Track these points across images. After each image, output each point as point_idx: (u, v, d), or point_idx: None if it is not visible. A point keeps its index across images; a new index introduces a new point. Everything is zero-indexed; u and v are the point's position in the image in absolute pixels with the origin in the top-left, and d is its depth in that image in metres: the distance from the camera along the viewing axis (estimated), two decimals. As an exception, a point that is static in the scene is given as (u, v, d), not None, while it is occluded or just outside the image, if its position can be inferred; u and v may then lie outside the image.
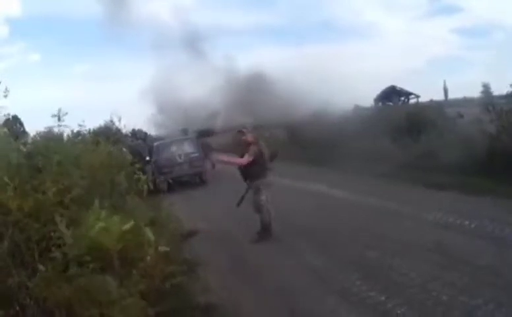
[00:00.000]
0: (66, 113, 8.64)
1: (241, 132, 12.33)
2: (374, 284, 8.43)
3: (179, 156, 25.16)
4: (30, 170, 7.75)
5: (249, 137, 12.28)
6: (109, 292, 5.88)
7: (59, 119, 8.52)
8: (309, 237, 11.89)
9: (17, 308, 5.90)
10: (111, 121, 37.94)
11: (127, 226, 6.17)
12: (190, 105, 53.07)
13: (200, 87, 57.59)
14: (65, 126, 8.89)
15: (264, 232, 12.17)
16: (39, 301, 5.94)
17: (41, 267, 6.07)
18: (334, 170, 22.17)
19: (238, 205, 12.46)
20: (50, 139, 9.01)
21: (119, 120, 35.60)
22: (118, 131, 30.82)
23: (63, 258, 6.09)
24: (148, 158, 25.31)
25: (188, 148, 26.00)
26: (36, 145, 9.11)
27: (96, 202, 6.75)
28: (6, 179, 6.70)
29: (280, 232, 12.35)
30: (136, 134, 30.93)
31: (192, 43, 59.36)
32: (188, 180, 25.66)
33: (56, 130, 9.06)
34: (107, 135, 23.37)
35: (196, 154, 25.70)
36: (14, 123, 22.92)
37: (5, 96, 9.10)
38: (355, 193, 16.37)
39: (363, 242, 10.89)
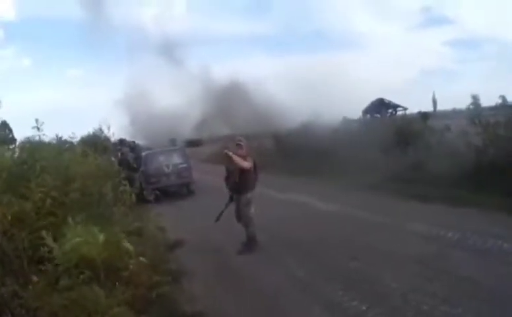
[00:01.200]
0: (43, 123, 8.71)
1: (238, 145, 12.30)
2: (356, 294, 8.54)
3: (167, 166, 25.01)
4: (16, 177, 7.77)
5: (245, 151, 12.34)
6: (98, 302, 5.97)
7: (38, 129, 8.58)
8: (293, 248, 11.98)
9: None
10: (100, 129, 37.88)
11: (102, 238, 6.24)
12: (166, 115, 52.92)
13: (177, 97, 57.64)
14: (44, 135, 8.96)
15: (251, 243, 12.23)
16: (31, 311, 5.97)
17: (34, 278, 6.13)
18: (320, 181, 22.29)
19: (216, 220, 12.56)
20: (37, 148, 9.04)
21: (108, 128, 35.39)
22: (107, 139, 30.75)
23: (54, 270, 6.15)
24: (135, 167, 25.23)
25: (176, 158, 25.89)
26: (24, 153, 9.14)
27: (69, 219, 6.82)
28: None
29: (266, 243, 12.41)
30: (125, 143, 30.75)
31: (169, 51, 59.48)
32: (176, 191, 25.53)
33: (36, 139, 9.11)
34: (96, 143, 23.36)
35: (184, 165, 25.60)
36: (2, 129, 22.76)
37: None
38: (340, 205, 16.51)
39: (347, 253, 10.99)
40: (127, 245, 6.53)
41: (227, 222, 12.70)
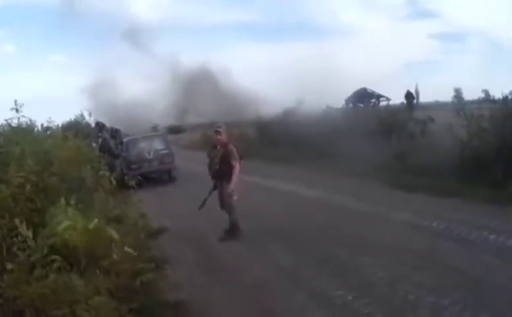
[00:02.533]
0: (23, 104, 8.54)
1: (217, 131, 12.21)
2: (342, 283, 8.47)
3: (149, 152, 24.84)
4: None
5: (224, 137, 12.24)
6: (76, 290, 5.83)
7: (17, 111, 8.41)
8: (277, 236, 11.93)
9: None
10: (81, 115, 37.68)
11: (92, 225, 6.09)
12: (131, 103, 52.38)
13: (145, 85, 57.26)
14: (23, 117, 8.79)
15: (233, 231, 12.15)
16: (10, 300, 5.87)
17: (9, 265, 5.96)
18: (303, 168, 22.29)
19: (200, 208, 12.48)
20: (16, 132, 8.86)
21: (89, 114, 35.24)
22: (87, 125, 30.55)
23: (28, 259, 5.99)
24: (117, 153, 25.05)
25: (158, 144, 25.76)
26: (3, 137, 8.95)
27: (62, 199, 6.65)
28: None
29: (249, 230, 12.33)
30: (106, 129, 30.56)
31: (136, 38, 59.03)
32: (157, 177, 25.41)
33: (16, 122, 8.93)
34: (77, 129, 23.17)
35: (165, 151, 25.48)
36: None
37: None
38: (324, 192, 16.58)
39: (332, 241, 11.00)
40: (112, 233, 6.37)
41: (210, 210, 12.59)
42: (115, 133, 29.90)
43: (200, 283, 9.39)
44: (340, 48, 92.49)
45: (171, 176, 25.72)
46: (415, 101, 43.76)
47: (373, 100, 57.99)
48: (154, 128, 38.51)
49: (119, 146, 26.51)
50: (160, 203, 17.97)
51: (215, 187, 12.53)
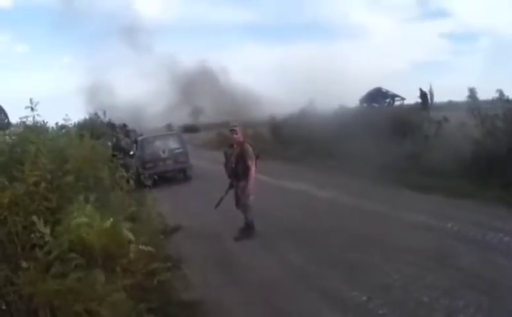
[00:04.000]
0: (38, 103, 8.58)
1: (233, 130, 12.28)
2: (355, 284, 8.49)
3: (163, 151, 24.85)
4: (10, 161, 7.65)
5: (240, 136, 12.32)
6: (95, 288, 5.81)
7: (32, 110, 8.46)
8: (291, 236, 11.94)
9: (2, 303, 5.87)
10: (96, 114, 37.84)
11: (108, 224, 6.13)
12: (129, 103, 52.32)
13: (145, 85, 57.37)
14: (38, 116, 8.84)
15: (248, 230, 12.20)
16: (25, 298, 5.89)
17: (24, 263, 6.00)
18: (315, 168, 22.25)
19: (216, 207, 12.58)
20: (32, 131, 8.89)
21: (104, 114, 35.37)
22: (102, 124, 30.70)
23: (46, 257, 6.01)
24: (132, 153, 25.10)
25: (172, 143, 25.69)
26: (18, 136, 8.99)
27: (81, 196, 6.70)
28: None
29: (263, 230, 12.37)
30: (121, 128, 30.71)
31: (135, 37, 58.84)
32: (172, 176, 25.43)
33: (31, 121, 8.97)
34: (92, 128, 23.26)
35: (180, 150, 25.44)
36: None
37: None
38: (337, 193, 16.48)
39: (344, 241, 11.01)
40: (129, 234, 6.41)
41: (226, 209, 12.66)
42: (129, 132, 30.05)
43: (214, 283, 9.48)
44: (351, 48, 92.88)
45: (187, 175, 25.65)
46: (429, 101, 43.56)
47: (388, 100, 57.74)
48: (169, 127, 38.61)
49: (134, 145, 26.59)
50: (175, 202, 18.00)
51: (231, 186, 12.59)
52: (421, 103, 28.94)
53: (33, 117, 8.75)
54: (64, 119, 11.56)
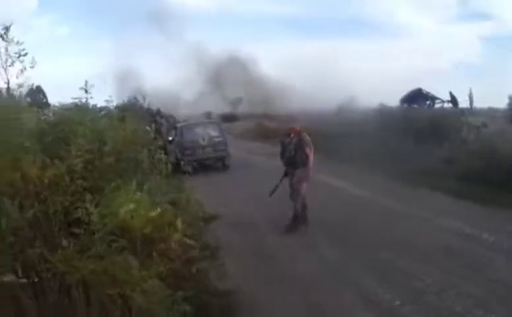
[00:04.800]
0: (93, 86, 8.72)
1: (292, 121, 12.54)
2: (389, 286, 8.53)
3: (203, 139, 24.96)
4: (53, 140, 7.77)
5: (298, 126, 12.66)
6: (130, 273, 5.87)
7: (86, 92, 8.58)
8: (328, 232, 12.03)
9: (35, 279, 5.91)
10: (135, 98, 38.10)
11: (157, 211, 6.25)
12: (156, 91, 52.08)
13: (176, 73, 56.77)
14: (91, 99, 8.96)
15: (297, 220, 12.40)
16: (58, 275, 5.92)
17: (64, 242, 6.12)
18: (352, 165, 22.08)
19: (271, 194, 12.65)
20: (75, 111, 9.03)
21: (143, 98, 35.58)
22: (141, 108, 30.93)
23: (87, 237, 6.13)
24: (170, 139, 25.27)
25: (212, 131, 25.81)
26: (60, 116, 9.14)
27: (134, 182, 6.83)
28: (27, 144, 6.74)
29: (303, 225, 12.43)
30: (160, 114, 30.97)
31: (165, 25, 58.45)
32: (210, 164, 25.47)
33: (83, 102, 9.09)
34: (132, 111, 23.47)
35: (220, 139, 25.54)
36: (37, 93, 22.89)
37: (32, 67, 9.24)
38: (374, 193, 16.40)
39: (381, 242, 10.99)
40: (178, 222, 6.54)
41: (262, 198, 12.77)
42: (167, 118, 30.29)
43: (249, 274, 9.57)
44: (391, 46, 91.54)
45: (225, 163, 25.64)
46: (469, 106, 43.15)
47: (428, 102, 57.07)
48: (208, 115, 38.71)
49: (173, 131, 26.76)
50: (212, 190, 18.07)
51: (285, 175, 12.72)
52: (452, 106, 28.73)
53: (86, 99, 8.91)
54: (106, 101, 11.67)
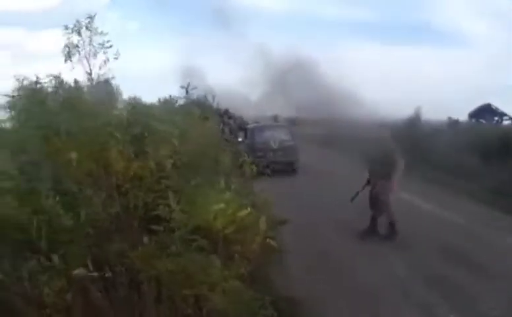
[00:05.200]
0: (195, 88, 8.74)
1: (381, 128, 13.04)
2: (456, 307, 8.50)
3: (274, 142, 25.03)
4: (140, 134, 7.91)
5: (387, 134, 12.92)
6: (210, 273, 5.85)
7: (187, 92, 8.70)
8: (397, 245, 12.03)
9: (107, 273, 5.92)
10: (205, 96, 38.33)
11: (245, 212, 6.35)
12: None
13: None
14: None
15: (392, 230, 12.50)
16: (133, 272, 5.99)
17: (145, 239, 6.22)
18: (419, 179, 21.90)
19: (352, 200, 12.75)
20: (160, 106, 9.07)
21: (213, 98, 35.80)
22: (211, 107, 31.14)
23: (167, 234, 6.08)
24: (240, 140, 25.35)
25: (283, 135, 25.87)
26: (137, 111, 9.26)
27: (222, 182, 6.94)
28: (117, 134, 6.83)
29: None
30: (229, 114, 31.23)
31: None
32: (280, 168, 24.46)
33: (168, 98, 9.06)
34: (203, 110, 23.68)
35: (290, 143, 25.51)
36: (107, 86, 23.22)
37: (115, 58, 9.46)
38: (440, 208, 16.23)
39: (452, 261, 10.92)
40: (262, 224, 6.63)
41: (330, 207, 12.81)
42: (236, 119, 30.55)
43: (313, 282, 9.69)
44: (461, 57, 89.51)
45: (294, 168, 25.46)
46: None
47: (496, 118, 55.96)
48: (275, 118, 38.68)
49: (241, 132, 26.87)
50: (282, 194, 18.14)
51: (368, 183, 12.75)
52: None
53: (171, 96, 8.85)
54: (184, 97, 11.80)
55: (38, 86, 8.95)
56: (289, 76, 48.25)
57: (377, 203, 12.53)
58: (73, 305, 5.68)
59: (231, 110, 36.66)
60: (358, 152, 13.13)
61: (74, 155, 6.23)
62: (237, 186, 8.21)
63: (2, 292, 5.41)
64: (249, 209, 6.54)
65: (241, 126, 28.62)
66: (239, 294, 5.97)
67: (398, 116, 33.91)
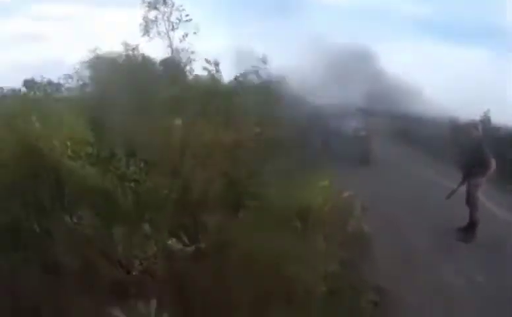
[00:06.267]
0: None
1: (475, 127, 12.61)
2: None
3: (347, 130, 24.56)
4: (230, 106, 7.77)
5: (480, 133, 12.50)
6: (308, 255, 5.85)
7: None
8: (477, 251, 11.39)
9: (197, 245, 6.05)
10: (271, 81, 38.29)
11: (344, 196, 6.25)
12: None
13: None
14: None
15: (472, 229, 12.11)
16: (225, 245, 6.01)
17: (241, 213, 6.11)
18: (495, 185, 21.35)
19: (448, 197, 12.46)
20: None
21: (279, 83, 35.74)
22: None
23: (260, 211, 6.13)
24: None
25: (357, 124, 25.45)
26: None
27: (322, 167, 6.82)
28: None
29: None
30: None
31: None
32: (354, 158, 22.43)
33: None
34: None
35: (364, 133, 25.02)
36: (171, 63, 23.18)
37: (195, 33, 9.31)
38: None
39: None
40: (357, 207, 6.52)
41: (410, 203, 12.57)
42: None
43: (394, 279, 9.20)
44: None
45: (368, 159, 23.73)
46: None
47: None
48: (344, 107, 38.31)
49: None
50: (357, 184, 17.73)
51: (464, 181, 12.50)
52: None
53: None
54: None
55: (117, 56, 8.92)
56: (350, 66, 47.70)
57: (468, 200, 12.19)
58: (162, 272, 5.80)
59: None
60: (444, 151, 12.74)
61: (179, 121, 6.22)
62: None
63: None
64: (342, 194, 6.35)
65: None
66: (339, 276, 6.04)
67: (466, 118, 33.15)
